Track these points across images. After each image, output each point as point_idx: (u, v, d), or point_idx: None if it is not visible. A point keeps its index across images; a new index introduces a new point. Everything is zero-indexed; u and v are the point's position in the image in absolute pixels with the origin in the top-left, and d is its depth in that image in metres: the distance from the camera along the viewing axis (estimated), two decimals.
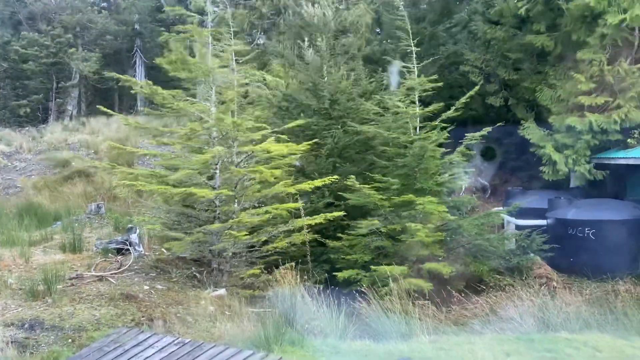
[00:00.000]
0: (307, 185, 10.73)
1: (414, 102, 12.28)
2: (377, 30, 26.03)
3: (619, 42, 14.48)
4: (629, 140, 14.87)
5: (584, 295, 10.46)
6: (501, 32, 17.61)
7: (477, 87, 13.20)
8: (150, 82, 11.44)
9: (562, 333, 7.57)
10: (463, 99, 12.13)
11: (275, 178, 10.44)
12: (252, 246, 10.64)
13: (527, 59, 17.67)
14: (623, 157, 14.49)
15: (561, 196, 14.72)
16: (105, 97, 36.59)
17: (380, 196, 10.91)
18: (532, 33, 16.58)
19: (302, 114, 13.49)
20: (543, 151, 15.41)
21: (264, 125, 11.23)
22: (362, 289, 9.23)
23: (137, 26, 38.67)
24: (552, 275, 11.35)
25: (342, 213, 11.03)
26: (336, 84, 13.79)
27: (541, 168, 15.83)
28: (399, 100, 12.18)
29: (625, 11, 13.72)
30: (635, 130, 14.78)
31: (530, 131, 15.99)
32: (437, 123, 12.03)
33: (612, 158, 14.88)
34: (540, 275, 11.21)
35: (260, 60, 20.09)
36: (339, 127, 13.21)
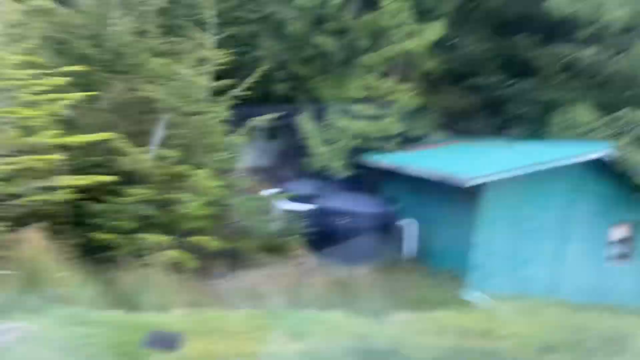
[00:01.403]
0: (77, 139, 9.64)
1: (204, 74, 12.06)
2: None
3: (391, 61, 16.56)
4: (387, 145, 17.03)
5: (332, 277, 11.61)
6: (299, 26, 18.39)
7: (257, 75, 13.08)
8: None
9: (309, 310, 8.30)
10: (249, 81, 12.31)
11: (40, 125, 9.16)
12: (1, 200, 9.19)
13: (317, 56, 18.77)
14: (378, 160, 16.58)
15: (327, 186, 16.16)
16: None
17: (154, 164, 10.48)
18: (323, 33, 17.75)
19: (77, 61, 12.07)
20: (311, 143, 16.78)
21: (34, 60, 9.73)
22: (125, 258, 8.78)
23: None
24: (308, 257, 12.36)
25: (113, 178, 9.97)
26: (122, 37, 12.66)
27: (310, 158, 17.16)
28: (192, 67, 11.84)
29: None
30: (395, 138, 16.99)
31: (306, 122, 17.19)
32: (224, 99, 12.05)
33: (369, 160, 16.91)
34: (298, 257, 12.13)
35: None
36: (122, 82, 12.22)
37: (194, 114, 11.40)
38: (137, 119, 12.43)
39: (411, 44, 15.96)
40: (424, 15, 16.95)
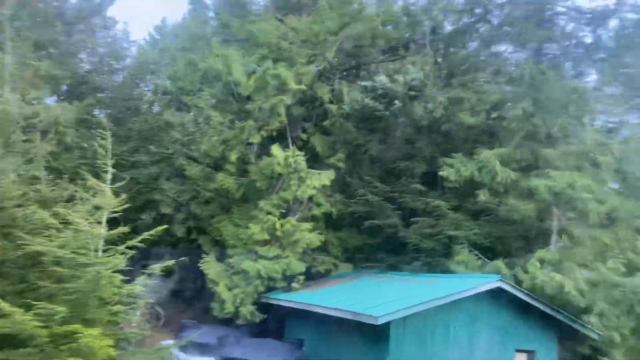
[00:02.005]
0: None
1: (100, 222, 11.47)
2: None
3: (290, 202, 17.06)
4: (293, 284, 16.86)
5: None
6: (198, 171, 18.62)
7: (162, 227, 12.37)
8: None
9: None
10: (150, 233, 11.74)
11: None
12: None
13: (218, 197, 18.91)
14: (284, 300, 16.26)
15: (230, 333, 15.34)
16: None
17: (38, 324, 9.36)
18: (225, 174, 18.04)
19: None
20: (216, 288, 16.28)
21: None
22: None
23: None
24: None
25: None
26: (3, 189, 11.83)
27: (212, 304, 16.54)
28: (85, 218, 11.21)
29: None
30: (300, 277, 16.91)
31: (209, 266, 16.77)
32: (120, 247, 11.39)
33: (275, 299, 16.55)
34: None
35: None
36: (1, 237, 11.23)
37: (86, 265, 10.58)
38: (18, 275, 11.33)
39: (305, 189, 16.62)
40: (317, 161, 18.00)
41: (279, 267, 16.33)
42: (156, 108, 25.72)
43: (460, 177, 16.05)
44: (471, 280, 14.36)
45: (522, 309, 14.35)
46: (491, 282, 13.85)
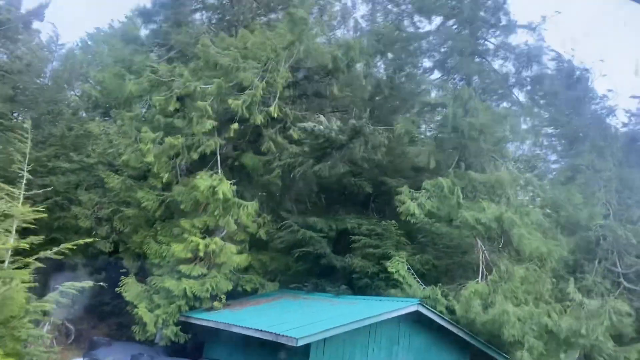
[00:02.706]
0: None
1: (9, 232, 10.78)
2: None
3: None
4: (214, 303, 16.46)
5: None
6: (119, 183, 17.88)
7: (80, 241, 11.91)
8: None
9: None
10: (66, 246, 11.14)
11: None
12: None
13: (141, 211, 18.14)
14: (204, 319, 15.83)
15: (144, 352, 14.74)
16: None
17: None
18: (146, 190, 17.47)
19: None
20: (136, 311, 15.68)
21: None
22: None
23: None
24: None
25: None
26: None
27: (133, 328, 15.91)
28: None
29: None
30: (222, 295, 16.54)
31: (128, 287, 16.12)
32: (30, 260, 10.73)
33: (196, 319, 16.09)
34: None
35: None
36: None
37: None
38: None
39: (228, 220, 16.42)
40: (249, 180, 17.78)
41: (206, 286, 15.94)
42: (82, 115, 24.64)
43: (422, 211, 16.08)
44: (390, 303, 14.65)
45: (440, 333, 14.78)
46: (410, 306, 14.19)
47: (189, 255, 15.97)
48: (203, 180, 16.18)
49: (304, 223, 18.18)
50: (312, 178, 18.73)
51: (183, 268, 15.93)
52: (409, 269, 16.59)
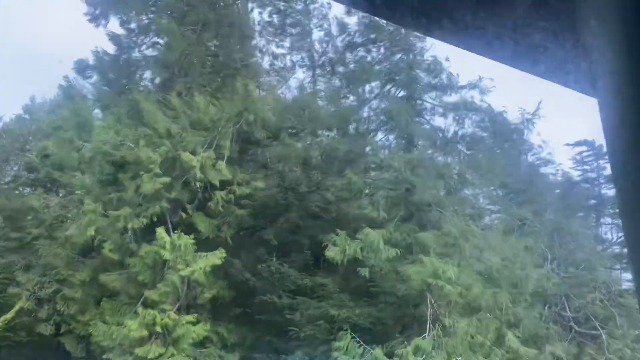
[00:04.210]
0: None
1: None
2: None
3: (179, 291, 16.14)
4: None
5: None
6: (60, 257, 17.09)
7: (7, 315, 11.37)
8: None
9: None
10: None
11: None
12: None
13: (86, 289, 17.25)
14: None
15: None
16: None
17: None
18: (102, 265, 16.76)
19: None
20: None
21: None
22: None
23: None
24: None
25: None
26: None
27: None
28: None
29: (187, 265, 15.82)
30: None
31: None
32: None
33: None
34: None
35: None
36: None
37: None
38: None
39: (193, 272, 15.98)
40: (200, 242, 17.43)
41: None
42: (21, 189, 23.69)
43: (344, 257, 16.21)
44: None
45: None
46: None
47: (144, 332, 15.09)
48: (164, 234, 15.81)
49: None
50: (259, 241, 18.67)
51: (139, 351, 14.95)
52: (354, 325, 16.47)
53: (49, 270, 17.58)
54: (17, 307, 11.24)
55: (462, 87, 19.52)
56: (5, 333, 10.33)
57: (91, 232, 16.24)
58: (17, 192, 22.67)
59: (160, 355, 15.34)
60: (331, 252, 16.45)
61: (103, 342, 15.64)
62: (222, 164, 17.35)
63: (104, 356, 15.38)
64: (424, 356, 14.82)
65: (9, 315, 10.99)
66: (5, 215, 20.24)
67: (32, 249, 18.56)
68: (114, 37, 20.67)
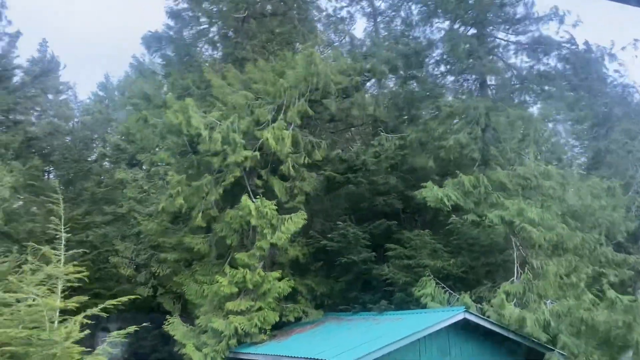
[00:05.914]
0: None
1: (54, 292, 10.99)
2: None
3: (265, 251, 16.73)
4: (261, 336, 16.45)
5: None
6: (155, 225, 18.14)
7: (124, 298, 11.72)
8: None
9: None
10: (111, 302, 11.26)
11: None
12: None
13: (178, 253, 18.33)
14: (252, 353, 15.85)
15: None
16: None
17: None
18: (188, 232, 17.64)
19: None
20: (183, 350, 15.71)
21: None
22: None
23: None
24: None
25: None
26: None
27: None
28: (37, 288, 10.72)
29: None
30: (268, 328, 16.53)
31: (175, 327, 16.21)
32: (78, 317, 10.93)
33: (244, 353, 16.10)
34: None
35: None
36: None
37: (41, 343, 10.08)
38: None
39: (280, 236, 16.50)
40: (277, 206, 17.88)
41: (254, 321, 15.96)
42: (106, 164, 25.20)
43: (450, 201, 15.94)
44: (435, 315, 14.42)
45: (489, 338, 14.45)
46: (457, 315, 13.94)
47: (234, 289, 15.98)
48: (248, 201, 16.42)
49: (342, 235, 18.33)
50: (338, 201, 18.77)
51: (229, 305, 15.94)
52: (437, 283, 16.42)
53: (143, 238, 18.78)
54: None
55: (540, 19, 18.35)
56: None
57: (180, 201, 17.07)
58: (105, 170, 24.14)
59: (249, 308, 16.19)
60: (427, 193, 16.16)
61: (195, 300, 16.71)
62: (289, 133, 17.51)
63: (198, 312, 16.38)
64: (514, 300, 14.58)
65: (124, 298, 11.76)
66: (97, 195, 21.65)
67: (126, 220, 19.89)
68: (172, 13, 21.12)
